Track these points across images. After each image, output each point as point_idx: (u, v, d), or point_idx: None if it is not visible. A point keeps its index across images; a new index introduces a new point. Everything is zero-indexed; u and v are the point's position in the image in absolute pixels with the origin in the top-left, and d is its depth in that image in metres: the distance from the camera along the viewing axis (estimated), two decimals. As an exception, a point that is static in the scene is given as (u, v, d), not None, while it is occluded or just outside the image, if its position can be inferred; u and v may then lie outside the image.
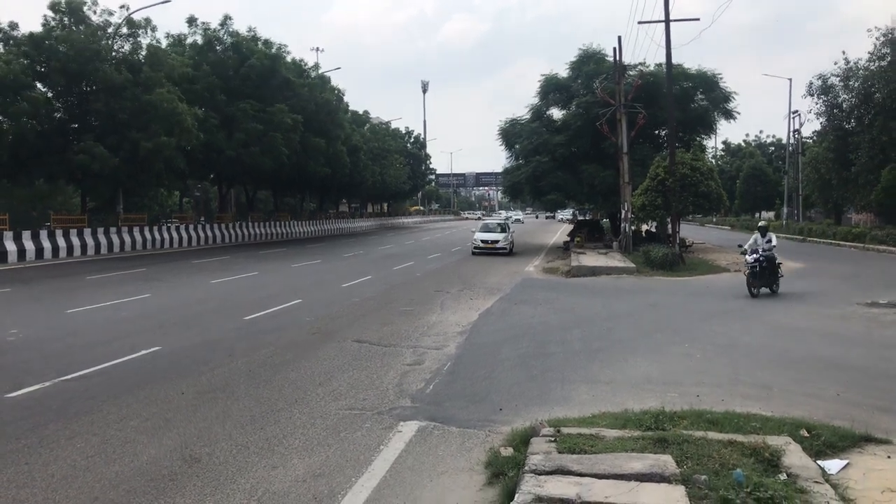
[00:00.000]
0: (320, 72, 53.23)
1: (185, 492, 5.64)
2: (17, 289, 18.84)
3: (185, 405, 7.95)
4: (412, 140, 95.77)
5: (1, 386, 8.59)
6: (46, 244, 28.34)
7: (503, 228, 35.28)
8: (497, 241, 32.69)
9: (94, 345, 11.20)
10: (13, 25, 31.98)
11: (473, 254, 32.11)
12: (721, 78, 35.10)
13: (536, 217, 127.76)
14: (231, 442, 6.75)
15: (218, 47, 42.85)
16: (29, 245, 27.43)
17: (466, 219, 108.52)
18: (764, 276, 17.32)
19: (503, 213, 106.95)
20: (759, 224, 19.71)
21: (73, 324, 13.24)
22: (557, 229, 64.51)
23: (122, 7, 34.21)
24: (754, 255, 17.33)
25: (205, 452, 6.47)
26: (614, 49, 31.00)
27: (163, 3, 35.21)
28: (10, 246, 26.55)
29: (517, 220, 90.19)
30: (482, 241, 32.81)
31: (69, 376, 9.08)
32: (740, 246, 18.45)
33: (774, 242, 17.87)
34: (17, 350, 10.80)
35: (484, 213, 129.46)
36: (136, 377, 9.18)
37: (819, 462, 5.79)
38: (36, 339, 11.60)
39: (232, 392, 8.50)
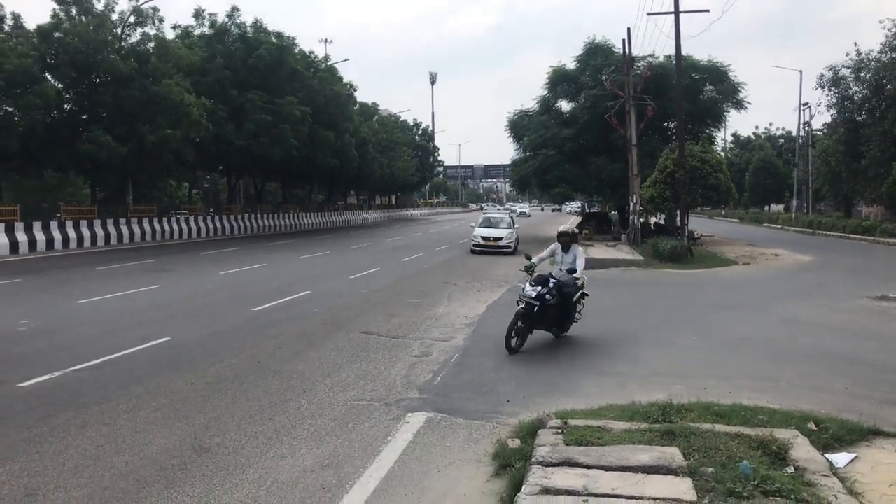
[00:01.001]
0: (329, 63, 53.10)
1: (195, 481, 5.69)
2: (28, 279, 18.96)
3: (194, 395, 8.01)
4: (420, 132, 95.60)
5: (12, 375, 8.67)
6: (57, 235, 28.48)
7: (508, 223, 30.62)
8: (500, 238, 28.25)
9: (104, 335, 11.27)
10: (16, 16, 32.08)
11: (472, 252, 27.98)
12: (730, 69, 35.01)
13: (542, 210, 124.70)
14: (240, 432, 6.80)
15: (227, 38, 42.88)
16: (40, 236, 27.58)
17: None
18: (545, 318, 10.36)
19: (509, 206, 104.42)
20: (560, 230, 11.50)
21: (83, 314, 13.33)
22: (565, 221, 64.46)
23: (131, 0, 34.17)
24: (537, 290, 10.13)
25: (214, 442, 6.52)
26: (623, 41, 30.96)
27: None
28: (21, 237, 26.69)
29: (522, 214, 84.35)
30: (482, 238, 28.41)
31: (80, 366, 9.14)
32: (529, 258, 10.73)
33: (581, 266, 10.82)
34: (28, 340, 10.87)
35: (493, 205, 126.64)
36: (146, 367, 9.24)
37: (827, 455, 5.79)
38: (47, 330, 11.67)
39: (241, 383, 8.55)
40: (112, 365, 9.34)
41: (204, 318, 13.12)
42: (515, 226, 31.23)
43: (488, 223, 30.34)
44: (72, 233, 29.32)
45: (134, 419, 7.17)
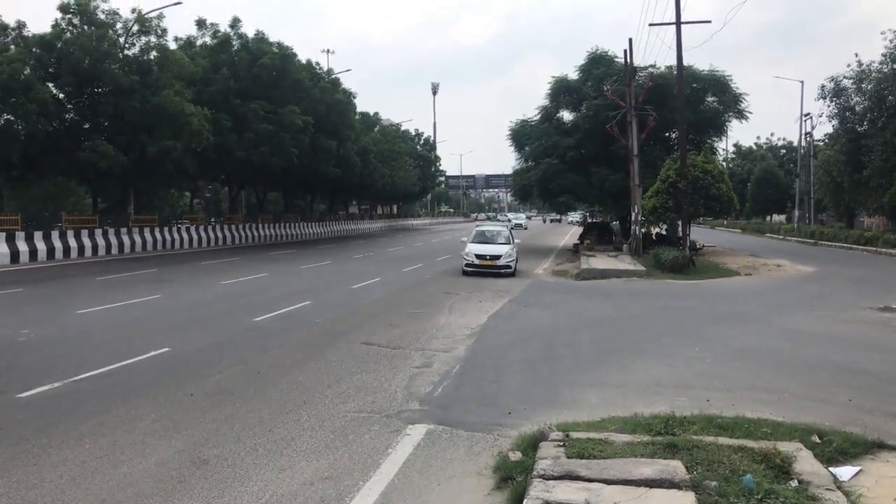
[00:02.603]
0: (333, 76, 53.22)
1: (194, 494, 5.64)
2: (29, 289, 18.95)
3: (194, 407, 7.96)
4: (422, 142, 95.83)
5: (12, 386, 8.63)
6: (58, 244, 28.49)
7: (506, 237, 25.63)
8: (498, 257, 23.55)
9: (104, 345, 11.24)
10: (21, 24, 32.14)
11: (465, 273, 23.38)
12: (731, 79, 35.06)
13: (544, 221, 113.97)
14: (239, 444, 6.75)
15: (230, 48, 43.01)
16: (41, 245, 27.58)
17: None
18: None
19: (510, 216, 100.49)
20: None
21: (83, 324, 13.30)
22: (567, 232, 64.37)
23: (133, 11, 34.32)
24: None
25: (213, 454, 6.48)
26: (625, 51, 31.00)
27: (174, 4, 35.28)
28: (22, 246, 26.70)
29: (517, 226, 67.75)
30: (477, 256, 23.59)
31: (79, 377, 9.11)
32: None
33: None
34: (28, 350, 10.84)
35: (502, 214, 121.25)
36: (146, 378, 9.20)
37: (831, 469, 5.73)
38: (47, 340, 11.64)
39: (241, 394, 8.51)
40: (112, 375, 9.30)
41: (204, 328, 13.09)
42: (515, 240, 26.08)
43: (483, 237, 25.55)
44: (73, 242, 29.32)
45: (133, 430, 7.12)
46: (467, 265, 23.71)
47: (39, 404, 7.98)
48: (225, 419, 7.53)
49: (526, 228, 74.45)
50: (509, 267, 23.62)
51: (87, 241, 30.12)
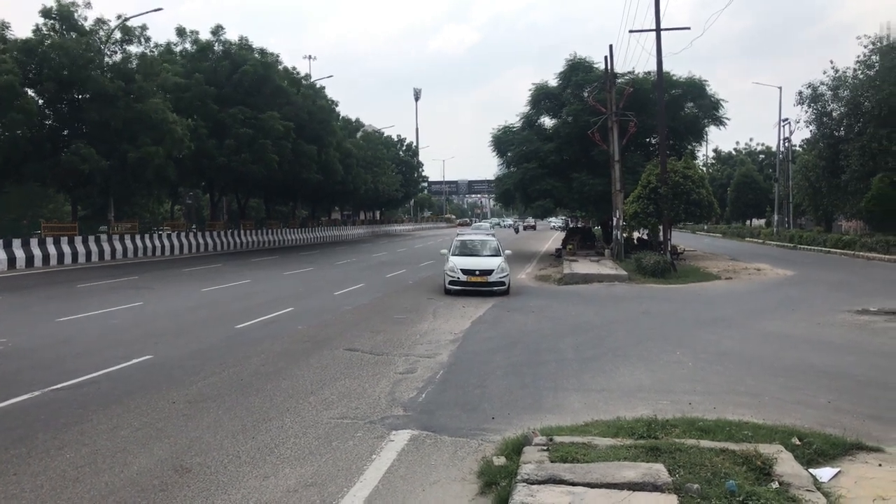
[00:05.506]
0: (314, 81, 53.21)
1: (176, 502, 5.60)
2: (7, 297, 18.71)
3: (176, 414, 7.91)
4: (404, 148, 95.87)
5: (-10, 396, 8.53)
6: (37, 252, 28.17)
7: (494, 248, 21.73)
8: (489, 272, 19.62)
9: (84, 354, 11.13)
10: (5, 25, 31.78)
11: (448, 292, 19.68)
12: (707, 83, 35.41)
13: (516, 230, 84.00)
14: (222, 452, 6.71)
15: (211, 56, 42.87)
16: (19, 253, 27.26)
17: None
18: None
19: (488, 223, 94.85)
20: None
21: (63, 332, 13.15)
22: (549, 237, 64.56)
23: (118, 17, 34.11)
24: None
25: (196, 462, 6.44)
26: (605, 57, 31.17)
27: (154, 11, 35.07)
28: (0, 254, 26.37)
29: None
30: (464, 272, 19.57)
31: (59, 386, 9.02)
32: None
33: None
34: (6, 359, 10.70)
35: (502, 220, 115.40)
36: (127, 386, 9.12)
37: (811, 470, 5.80)
38: (26, 348, 11.51)
39: (223, 401, 8.46)
40: (92, 384, 9.21)
41: (186, 335, 13.00)
42: (505, 252, 21.91)
43: (465, 249, 21.49)
44: (52, 250, 29.00)
45: (114, 439, 7.06)
46: (451, 282, 19.73)
47: (18, 414, 7.89)
48: (207, 426, 7.48)
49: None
50: (503, 283, 19.80)
51: (66, 249, 29.81)
